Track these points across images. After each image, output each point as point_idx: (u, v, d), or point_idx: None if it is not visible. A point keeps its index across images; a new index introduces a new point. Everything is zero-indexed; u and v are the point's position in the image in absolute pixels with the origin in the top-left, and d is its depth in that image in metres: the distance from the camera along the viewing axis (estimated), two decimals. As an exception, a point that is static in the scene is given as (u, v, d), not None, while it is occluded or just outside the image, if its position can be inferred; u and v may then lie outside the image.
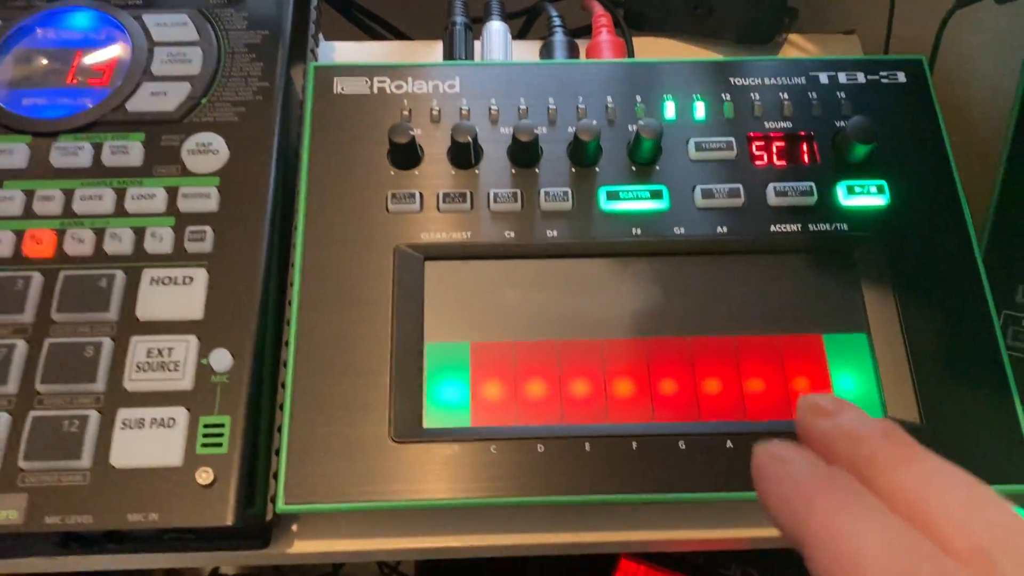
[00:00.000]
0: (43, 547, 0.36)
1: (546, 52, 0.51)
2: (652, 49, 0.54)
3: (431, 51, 0.53)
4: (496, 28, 0.50)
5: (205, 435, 0.35)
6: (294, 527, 0.39)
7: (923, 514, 0.21)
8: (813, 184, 0.42)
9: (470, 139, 0.41)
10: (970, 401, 0.38)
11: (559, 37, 0.51)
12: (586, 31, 0.53)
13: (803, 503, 0.22)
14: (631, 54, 0.52)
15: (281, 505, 0.35)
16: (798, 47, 0.54)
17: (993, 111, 0.47)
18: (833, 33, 0.55)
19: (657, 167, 0.43)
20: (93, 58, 0.43)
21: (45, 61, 0.43)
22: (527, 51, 0.53)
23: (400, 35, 0.62)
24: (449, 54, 0.49)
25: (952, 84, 0.49)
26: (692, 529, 0.40)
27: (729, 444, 0.37)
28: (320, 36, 0.53)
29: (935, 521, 0.20)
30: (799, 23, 0.54)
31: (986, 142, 0.47)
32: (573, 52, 0.51)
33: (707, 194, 0.42)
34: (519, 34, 0.60)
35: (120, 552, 0.37)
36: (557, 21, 0.52)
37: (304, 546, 0.39)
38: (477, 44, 0.50)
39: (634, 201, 0.42)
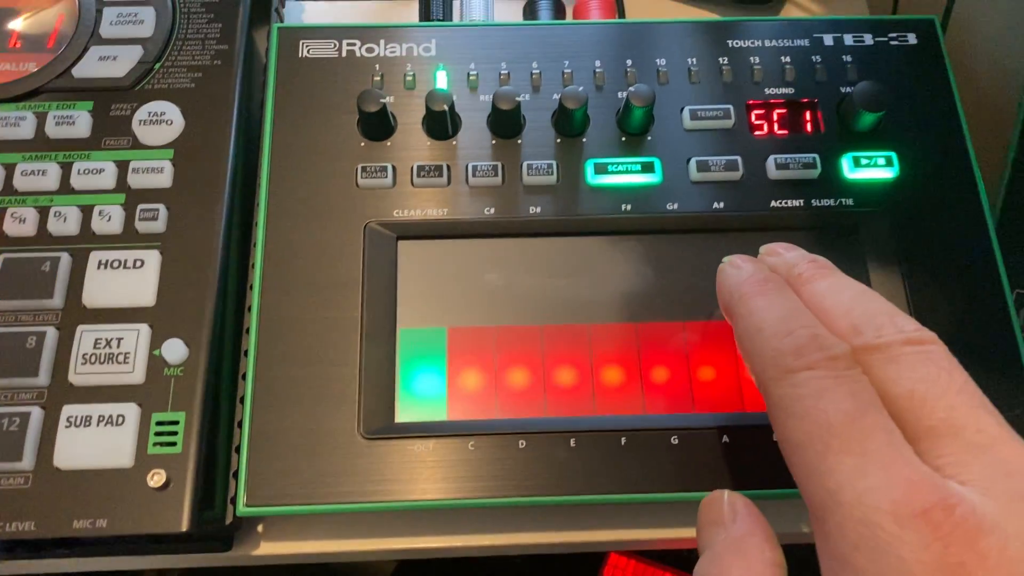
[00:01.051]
0: (-15, 553, 0.34)
1: (530, 12, 0.47)
2: (645, 8, 0.50)
3: (407, 11, 0.49)
4: (476, -14, 0.47)
5: (158, 433, 0.32)
6: (259, 528, 0.37)
7: (823, 308, 0.27)
8: (816, 156, 0.39)
9: (446, 107, 0.38)
10: (982, 386, 0.36)
11: (544, -5, 0.47)
12: (574, -11, 0.50)
13: (739, 290, 0.29)
14: (622, 14, 0.48)
15: (242, 507, 0.33)
16: (801, 7, 0.50)
17: (1009, 76, 0.43)
18: (838, -9, 0.52)
19: (649, 137, 0.39)
20: (37, 19, 0.40)
21: (-16, 23, 0.40)
22: (510, 11, 0.49)
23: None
24: (425, 14, 0.46)
25: (965, 47, 0.46)
26: (685, 528, 0.37)
27: (725, 439, 0.34)
28: (289, -6, 0.49)
29: (829, 310, 0.27)
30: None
31: (1001, 109, 0.44)
32: (559, 12, 0.47)
33: (702, 167, 0.39)
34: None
35: (69, 556, 0.35)
36: (542, -22, 0.48)
37: (270, 548, 0.36)
38: (456, 3, 0.47)
39: (624, 174, 0.39)
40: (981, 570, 0.20)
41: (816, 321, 0.26)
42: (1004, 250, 0.39)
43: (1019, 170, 0.45)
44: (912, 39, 0.42)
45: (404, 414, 0.35)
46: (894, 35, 0.42)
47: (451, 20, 0.46)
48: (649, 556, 0.45)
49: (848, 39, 0.42)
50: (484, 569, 0.47)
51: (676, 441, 0.34)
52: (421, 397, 0.35)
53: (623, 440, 0.34)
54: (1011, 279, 0.39)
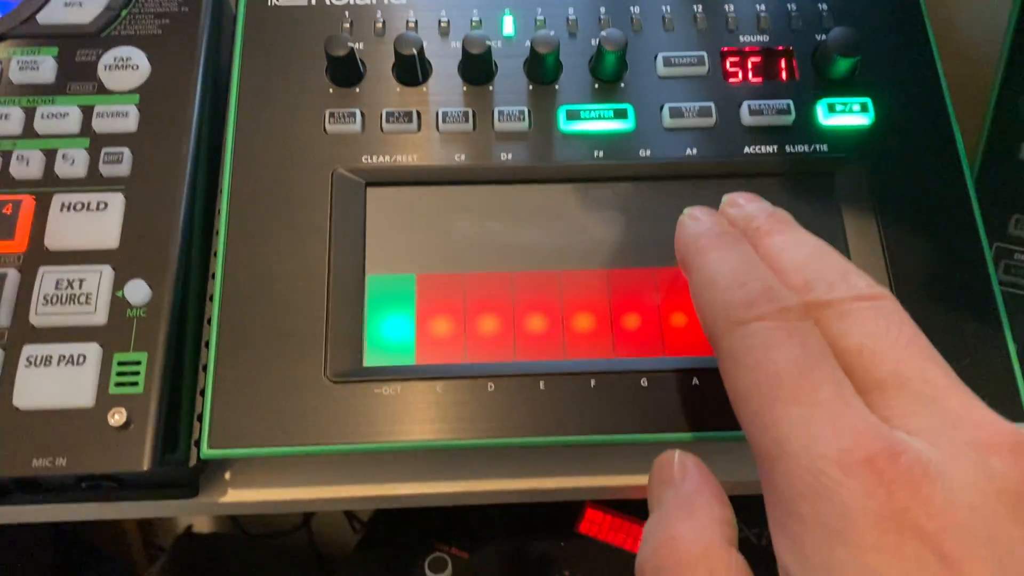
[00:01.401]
0: (-53, 497, 0.33)
1: (505, -37, 0.47)
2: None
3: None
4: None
5: (119, 373, 0.32)
6: (227, 475, 0.36)
7: (779, 263, 0.27)
8: (791, 102, 0.39)
9: (415, 51, 0.37)
10: (958, 337, 0.35)
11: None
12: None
13: (695, 243, 0.29)
14: (599, -32, 0.48)
15: (206, 449, 0.32)
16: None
17: (987, 26, 0.43)
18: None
19: (622, 84, 0.39)
20: (1, -34, 0.39)
21: (-51, -30, 0.39)
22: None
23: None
24: (399, -35, 0.45)
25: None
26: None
27: (695, 381, 0.34)
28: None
29: (784, 266, 0.27)
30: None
31: (979, 59, 0.44)
32: (534, -37, 0.47)
33: (676, 113, 0.38)
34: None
35: (35, 503, 0.34)
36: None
37: (238, 495, 0.36)
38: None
39: (596, 121, 0.38)
40: (925, 516, 0.20)
41: (770, 274, 0.26)
42: (981, 204, 0.38)
43: (999, 121, 0.44)
44: (889, -13, 0.41)
45: (372, 358, 0.35)
46: (871, -17, 0.41)
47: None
48: (625, 509, 0.45)
49: (824, -13, 0.41)
50: (459, 523, 0.46)
51: (646, 383, 0.34)
52: (389, 342, 0.35)
53: (592, 382, 0.34)
54: (988, 229, 0.39)
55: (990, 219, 0.44)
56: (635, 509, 0.45)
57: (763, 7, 0.41)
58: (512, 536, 0.46)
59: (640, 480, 0.37)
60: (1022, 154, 0.45)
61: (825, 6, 0.41)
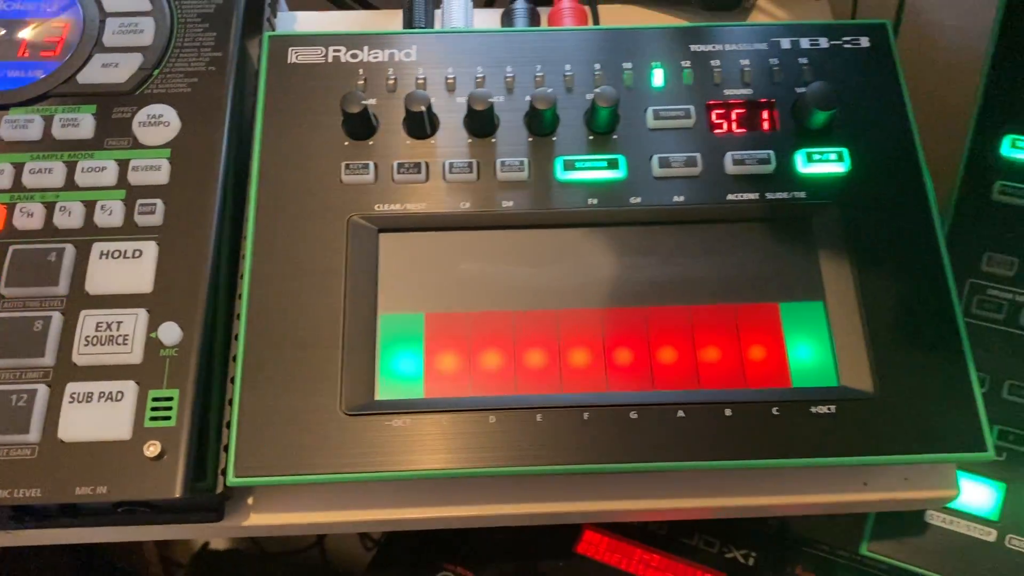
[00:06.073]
0: (-5, 521, 0.37)
1: (507, 20, 0.50)
2: (619, 16, 0.53)
3: (393, 21, 0.52)
4: (457, -4, 0.50)
5: (154, 408, 0.35)
6: (249, 500, 0.39)
7: None
8: (772, 152, 0.42)
9: (424, 108, 0.40)
10: (925, 370, 0.38)
11: (520, 4, 0.50)
12: (551, -1, 0.52)
13: None
14: (596, 21, 0.51)
15: (231, 478, 0.35)
16: (766, 12, 0.53)
17: (959, 75, 0.46)
18: (803, -2, 0.55)
19: (615, 136, 0.42)
20: (44, 29, 0.43)
21: (-4, 33, 0.43)
22: (491, 20, 0.52)
23: (365, 4, 0.61)
24: (409, 23, 0.49)
25: (917, 49, 0.48)
26: (653, 499, 0.40)
27: (680, 414, 0.37)
28: (283, 4, 0.52)
29: None
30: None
31: (952, 106, 0.46)
32: (534, 20, 0.50)
33: (664, 163, 0.41)
34: (486, 1, 0.60)
35: (74, 526, 0.37)
36: (520, -12, 0.51)
37: (260, 519, 0.39)
38: (438, 13, 0.50)
39: (590, 170, 0.41)
40: None
41: None
42: (956, 241, 0.41)
43: (973, 164, 0.47)
44: (865, 42, 0.44)
45: (384, 392, 0.38)
46: (848, 39, 0.44)
47: (432, 28, 0.49)
48: (621, 532, 0.48)
49: (804, 43, 0.44)
50: (466, 544, 0.49)
51: (636, 416, 0.37)
52: (400, 377, 0.38)
53: (586, 415, 0.37)
54: (963, 266, 0.41)
55: (966, 256, 0.46)
56: (631, 531, 0.48)
57: (748, 62, 0.44)
58: (515, 557, 0.48)
59: (631, 505, 0.40)
60: (995, 195, 0.47)
61: (805, 61, 0.44)
